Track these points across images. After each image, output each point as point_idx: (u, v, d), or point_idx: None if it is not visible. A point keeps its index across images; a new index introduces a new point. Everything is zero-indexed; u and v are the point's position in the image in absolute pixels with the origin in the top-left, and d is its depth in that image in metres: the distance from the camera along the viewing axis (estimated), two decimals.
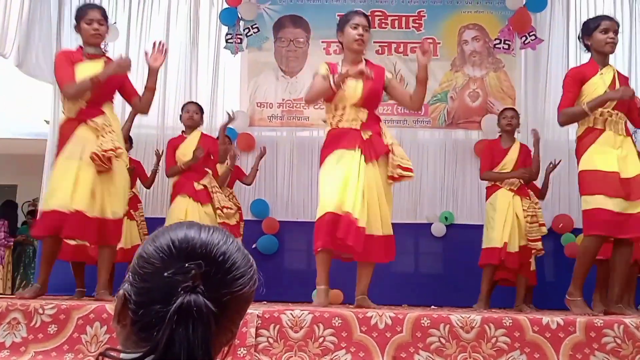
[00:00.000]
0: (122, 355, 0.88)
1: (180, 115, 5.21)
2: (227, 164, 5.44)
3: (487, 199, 5.01)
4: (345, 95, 3.69)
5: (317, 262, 3.69)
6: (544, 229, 4.92)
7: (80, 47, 3.84)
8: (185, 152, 4.98)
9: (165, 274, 0.87)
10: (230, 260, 0.91)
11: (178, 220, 4.70)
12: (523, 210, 4.79)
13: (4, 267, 8.27)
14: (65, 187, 3.56)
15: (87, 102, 3.69)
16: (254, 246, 5.79)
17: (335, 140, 3.71)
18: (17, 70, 5.93)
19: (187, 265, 0.87)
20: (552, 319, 2.78)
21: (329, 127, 3.79)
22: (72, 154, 3.62)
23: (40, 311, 2.84)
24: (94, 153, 3.57)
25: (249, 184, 5.81)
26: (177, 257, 0.88)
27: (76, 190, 3.56)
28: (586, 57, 6.13)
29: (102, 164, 3.60)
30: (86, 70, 3.67)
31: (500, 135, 5.09)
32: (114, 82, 3.76)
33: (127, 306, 0.90)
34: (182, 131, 5.19)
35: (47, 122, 6.42)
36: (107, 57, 3.90)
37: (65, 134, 3.70)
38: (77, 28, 3.81)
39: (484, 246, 4.88)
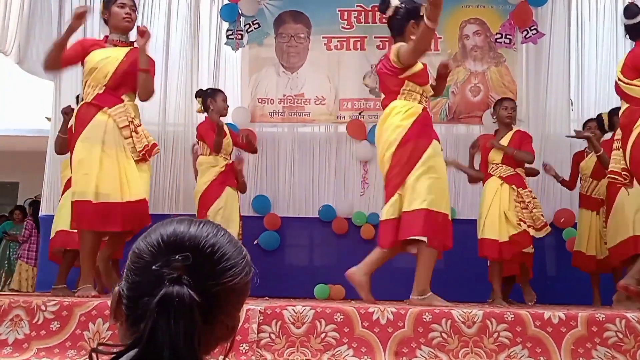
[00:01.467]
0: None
1: (208, 103, 5.03)
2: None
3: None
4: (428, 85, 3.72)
5: (431, 261, 3.52)
6: (543, 219, 4.68)
7: (106, 36, 3.74)
8: (230, 144, 5.04)
9: (154, 267, 0.88)
10: (220, 251, 0.91)
11: (235, 215, 4.58)
12: (514, 199, 4.59)
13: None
14: (92, 175, 3.48)
15: (105, 87, 3.58)
16: (255, 242, 5.79)
17: (430, 126, 3.64)
18: (18, 68, 5.93)
19: (174, 257, 0.88)
20: (554, 314, 2.78)
21: (418, 103, 3.60)
22: (93, 138, 3.51)
23: (43, 308, 2.84)
24: (144, 152, 3.57)
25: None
26: (165, 251, 0.89)
27: (102, 178, 3.48)
28: (588, 51, 6.17)
29: (145, 157, 3.60)
30: (104, 54, 3.57)
31: (496, 130, 4.93)
32: (135, 71, 3.62)
33: (121, 302, 0.91)
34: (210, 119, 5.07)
35: (49, 119, 6.43)
36: (134, 47, 3.72)
37: (82, 118, 3.58)
38: (106, 14, 3.66)
39: (478, 237, 4.75)
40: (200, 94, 5.20)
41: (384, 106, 3.70)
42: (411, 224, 3.44)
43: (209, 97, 5.08)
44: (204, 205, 4.86)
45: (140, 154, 3.59)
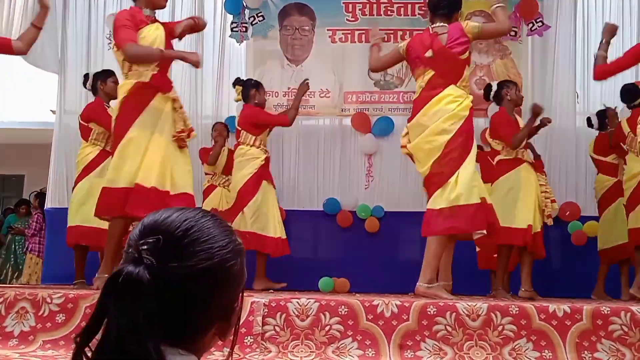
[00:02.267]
0: None
1: (253, 94, 5.01)
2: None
3: (502, 173, 4.50)
4: None
5: (439, 250, 3.52)
6: (556, 206, 4.65)
7: (139, 7, 3.58)
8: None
9: (129, 250, 0.88)
10: (194, 235, 0.89)
11: (274, 210, 4.77)
12: (540, 185, 4.51)
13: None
14: (137, 162, 3.36)
15: (159, 67, 3.48)
16: None
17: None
18: (23, 61, 5.93)
19: (146, 240, 0.87)
20: (559, 307, 2.78)
21: (468, 99, 3.65)
22: (148, 125, 3.41)
23: (49, 300, 2.86)
24: (180, 134, 3.46)
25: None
26: (142, 235, 0.89)
27: (151, 165, 3.37)
28: (594, 43, 6.14)
29: (183, 141, 3.52)
30: (153, 33, 3.48)
31: (504, 107, 4.71)
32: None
33: None
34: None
35: (54, 111, 6.44)
36: (160, 23, 3.67)
37: (138, 100, 3.43)
38: None
39: (504, 224, 4.24)
40: (240, 82, 5.13)
41: (435, 85, 3.63)
42: (474, 218, 3.49)
43: (253, 88, 5.03)
44: (242, 200, 4.76)
45: (176, 138, 3.51)
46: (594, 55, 4.38)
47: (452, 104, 3.57)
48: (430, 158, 3.59)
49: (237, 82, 5.18)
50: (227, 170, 5.53)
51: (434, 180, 3.60)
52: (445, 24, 3.72)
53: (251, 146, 4.89)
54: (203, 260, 0.88)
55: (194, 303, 0.87)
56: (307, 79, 5.15)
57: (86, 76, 4.89)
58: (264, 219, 4.81)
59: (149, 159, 3.38)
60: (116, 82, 4.54)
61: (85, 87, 4.97)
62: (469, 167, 3.52)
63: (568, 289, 4.98)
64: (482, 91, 6.10)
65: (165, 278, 0.84)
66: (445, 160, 3.54)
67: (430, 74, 3.67)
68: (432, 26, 3.78)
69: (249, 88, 5.03)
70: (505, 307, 2.78)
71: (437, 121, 3.57)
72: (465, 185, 3.47)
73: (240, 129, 4.97)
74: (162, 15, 6.27)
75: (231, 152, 5.52)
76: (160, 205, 3.27)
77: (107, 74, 4.73)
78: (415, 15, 6.25)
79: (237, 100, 5.23)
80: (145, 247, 0.86)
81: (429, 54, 3.64)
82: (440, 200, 3.52)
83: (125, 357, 0.80)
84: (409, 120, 3.83)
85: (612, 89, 5.58)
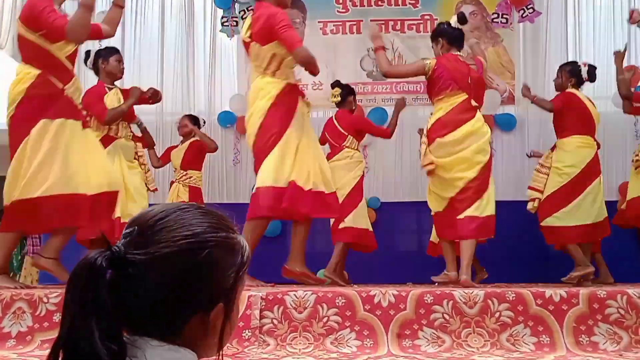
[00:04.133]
0: None
1: (351, 99, 5.10)
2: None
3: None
4: None
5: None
6: None
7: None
8: None
9: None
10: (164, 224, 0.85)
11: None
12: None
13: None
14: (309, 165, 3.52)
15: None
16: None
17: None
18: (12, 60, 5.90)
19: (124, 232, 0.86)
20: (555, 292, 2.79)
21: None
22: (302, 129, 3.53)
23: (45, 300, 2.85)
24: None
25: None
26: (126, 229, 0.87)
27: (306, 166, 3.55)
28: (585, 28, 6.14)
29: None
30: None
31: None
32: None
33: None
34: None
35: None
36: None
37: (290, 101, 3.48)
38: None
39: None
40: (340, 85, 5.11)
41: (467, 109, 3.87)
42: (490, 225, 3.92)
43: (352, 94, 5.09)
44: (356, 196, 4.89)
45: None
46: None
47: (484, 128, 3.92)
48: (471, 171, 3.85)
49: (336, 84, 5.16)
50: (185, 164, 5.47)
51: (472, 191, 3.86)
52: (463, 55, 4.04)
53: (356, 150, 5.00)
54: (163, 247, 0.83)
55: (158, 292, 0.83)
56: (404, 97, 5.25)
57: (88, 53, 4.55)
58: (364, 212, 5.03)
59: (304, 161, 3.52)
60: (120, 61, 4.44)
61: (86, 65, 4.61)
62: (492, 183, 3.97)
63: (564, 274, 4.99)
64: None
65: (125, 265, 0.81)
66: (484, 176, 3.87)
67: (463, 97, 3.88)
68: (454, 53, 3.98)
69: (347, 93, 5.07)
70: (502, 294, 2.79)
71: (481, 143, 3.87)
72: (488, 198, 3.87)
73: (346, 133, 4.99)
74: (152, 11, 6.29)
75: (192, 145, 5.47)
76: (319, 204, 3.59)
77: (110, 52, 4.47)
78: (406, 5, 6.24)
79: (332, 102, 5.20)
80: (122, 238, 0.84)
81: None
82: (475, 209, 3.84)
83: (78, 350, 0.77)
84: (433, 135, 3.92)
85: (604, 73, 5.58)
